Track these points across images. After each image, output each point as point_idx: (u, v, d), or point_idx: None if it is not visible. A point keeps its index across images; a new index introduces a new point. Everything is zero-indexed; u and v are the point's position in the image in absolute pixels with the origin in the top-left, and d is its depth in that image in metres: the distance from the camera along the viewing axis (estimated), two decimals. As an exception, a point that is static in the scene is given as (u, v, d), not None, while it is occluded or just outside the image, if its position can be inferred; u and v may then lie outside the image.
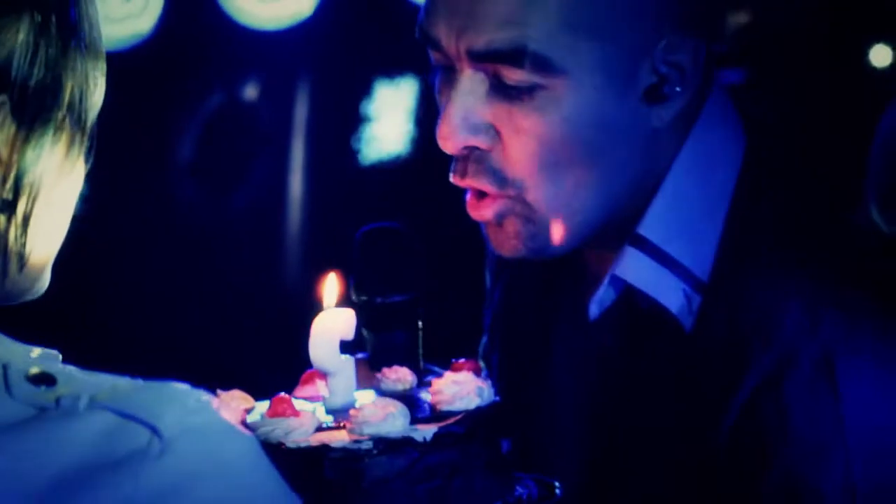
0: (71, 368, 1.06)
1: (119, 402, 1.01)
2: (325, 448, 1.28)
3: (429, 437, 1.29)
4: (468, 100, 1.39)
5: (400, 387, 1.39)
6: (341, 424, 1.32)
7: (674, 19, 1.38)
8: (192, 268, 3.83)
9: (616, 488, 1.48)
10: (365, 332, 1.47)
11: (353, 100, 4.21)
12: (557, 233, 1.41)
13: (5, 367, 1.02)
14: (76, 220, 1.18)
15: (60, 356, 1.10)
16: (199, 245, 3.94)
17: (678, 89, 1.39)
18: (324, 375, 1.35)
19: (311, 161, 4.19)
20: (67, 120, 1.09)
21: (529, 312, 1.63)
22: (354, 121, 4.20)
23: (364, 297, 1.46)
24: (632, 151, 1.41)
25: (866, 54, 3.90)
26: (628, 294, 1.47)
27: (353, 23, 4.08)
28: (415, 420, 1.31)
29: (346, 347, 1.34)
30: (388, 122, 4.23)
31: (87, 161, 1.14)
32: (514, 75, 1.36)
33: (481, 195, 1.43)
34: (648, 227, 1.43)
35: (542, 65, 1.35)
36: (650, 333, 1.45)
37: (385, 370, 1.39)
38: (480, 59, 1.38)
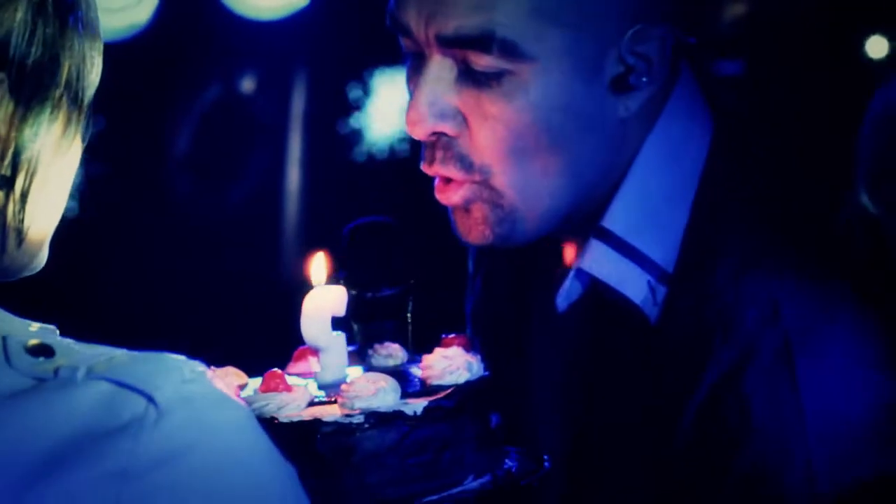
0: (69, 341, 1.08)
1: (116, 373, 1.02)
2: (317, 422, 1.30)
3: (419, 411, 1.31)
4: (437, 86, 1.40)
5: (391, 362, 1.41)
6: (333, 399, 1.34)
7: (641, 10, 1.39)
8: (187, 251, 3.85)
9: (587, 479, 1.50)
10: (354, 325, 1.49)
11: (350, 90, 4.22)
12: (524, 219, 1.42)
13: (5, 339, 1.04)
14: (75, 204, 1.19)
15: (58, 330, 1.12)
16: (194, 229, 3.96)
17: (644, 80, 1.40)
18: (315, 352, 1.37)
19: (306, 150, 4.21)
20: (65, 98, 1.11)
21: (506, 303, 1.65)
22: (350, 111, 4.22)
23: (354, 292, 1.48)
24: (599, 140, 1.42)
25: (861, 45, 3.91)
26: (595, 287, 1.48)
27: (350, 12, 4.09)
28: (405, 394, 1.33)
29: (337, 324, 1.36)
30: (384, 112, 4.25)
31: (84, 139, 1.16)
32: (482, 61, 1.38)
33: (449, 181, 1.44)
34: (613, 220, 1.44)
35: (510, 51, 1.37)
36: (616, 325, 1.46)
37: (376, 346, 1.41)
38: (449, 44, 1.39)
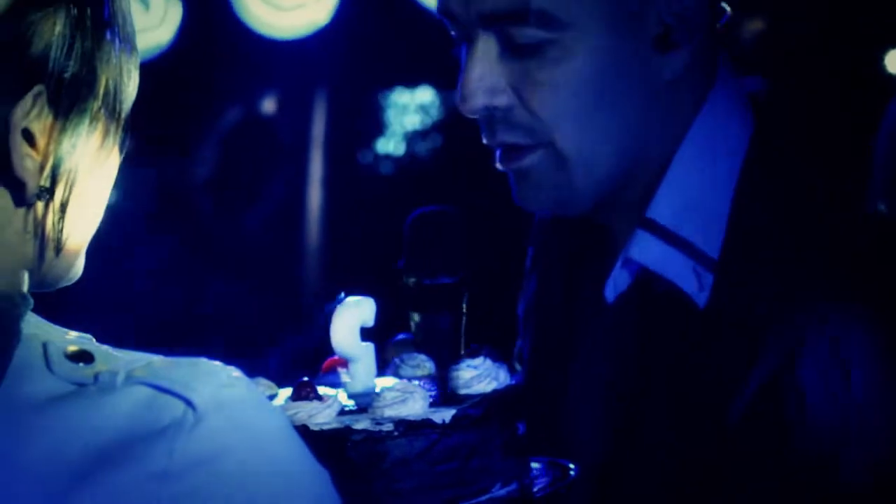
0: (107, 347, 1.10)
1: (155, 377, 1.05)
2: (347, 430, 1.32)
3: (447, 419, 1.33)
4: (483, 63, 1.45)
5: (419, 373, 1.43)
6: (363, 408, 1.36)
7: None
8: (216, 265, 3.89)
9: (634, 468, 1.52)
10: (412, 314, 1.52)
11: (370, 107, 4.26)
12: (581, 184, 1.47)
13: (45, 346, 1.07)
14: (106, 216, 1.22)
15: (94, 339, 1.15)
16: (221, 244, 4.00)
17: (685, 37, 1.44)
18: (345, 362, 1.39)
19: (328, 166, 4.25)
20: (102, 111, 1.13)
21: (557, 300, 1.68)
22: (371, 128, 4.25)
23: (412, 279, 1.51)
24: (648, 102, 1.47)
25: (880, 59, 3.94)
26: (643, 277, 1.51)
27: (369, 32, 4.13)
28: (433, 403, 1.36)
29: (366, 334, 1.38)
30: (404, 129, 4.28)
31: (121, 151, 1.18)
32: (522, 33, 1.42)
33: (512, 148, 1.49)
34: (657, 211, 1.48)
35: (547, 20, 1.42)
36: (664, 313, 1.49)
37: (405, 356, 1.44)
38: (490, 21, 1.44)
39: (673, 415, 1.48)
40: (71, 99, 1.10)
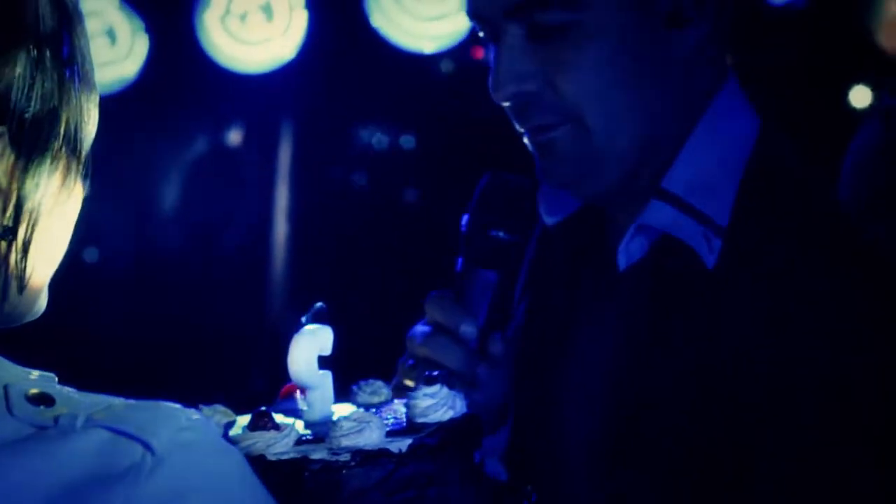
0: (68, 389, 1.11)
1: (114, 420, 1.05)
2: (304, 460, 1.33)
3: (404, 448, 1.34)
4: (512, 51, 1.55)
5: (375, 399, 1.45)
6: (320, 437, 1.38)
7: None
8: (178, 295, 3.90)
9: (646, 437, 1.55)
10: (461, 270, 1.57)
11: (335, 141, 4.28)
12: (605, 158, 1.56)
13: (6, 388, 1.07)
14: (69, 253, 1.23)
15: (56, 378, 1.15)
16: (184, 274, 4.01)
17: (696, 13, 1.54)
18: (302, 389, 1.40)
19: (292, 199, 4.26)
20: (64, 149, 1.14)
21: (556, 298, 1.71)
22: (336, 161, 4.27)
23: (478, 226, 1.56)
24: (663, 80, 1.56)
25: (847, 93, 4.01)
26: (655, 247, 1.57)
27: (335, 67, 4.16)
28: (390, 433, 1.37)
29: (324, 363, 1.40)
30: (369, 162, 4.30)
31: (83, 188, 1.19)
32: (546, 17, 1.51)
33: (543, 127, 1.56)
34: (671, 183, 1.56)
35: (569, 2, 1.51)
36: (676, 279, 1.56)
37: (361, 383, 1.45)
38: (516, 10, 1.53)
39: (685, 376, 1.52)
40: (33, 139, 1.10)
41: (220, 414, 1.42)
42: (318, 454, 1.34)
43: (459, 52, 4.07)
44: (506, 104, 1.58)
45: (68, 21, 1.15)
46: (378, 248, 4.07)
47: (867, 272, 1.51)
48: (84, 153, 1.18)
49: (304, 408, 1.41)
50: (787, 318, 1.47)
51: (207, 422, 1.12)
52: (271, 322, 3.99)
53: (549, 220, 1.67)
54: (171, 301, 3.88)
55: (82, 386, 1.14)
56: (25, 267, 1.13)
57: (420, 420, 1.38)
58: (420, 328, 1.63)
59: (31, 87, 1.10)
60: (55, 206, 1.15)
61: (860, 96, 4.09)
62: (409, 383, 1.61)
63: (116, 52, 4.10)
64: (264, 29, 4.13)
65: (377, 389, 1.45)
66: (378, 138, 4.31)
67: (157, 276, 3.97)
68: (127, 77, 4.04)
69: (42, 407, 1.07)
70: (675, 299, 1.56)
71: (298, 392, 1.42)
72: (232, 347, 3.85)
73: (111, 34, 4.13)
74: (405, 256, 3.91)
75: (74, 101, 1.14)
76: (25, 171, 1.11)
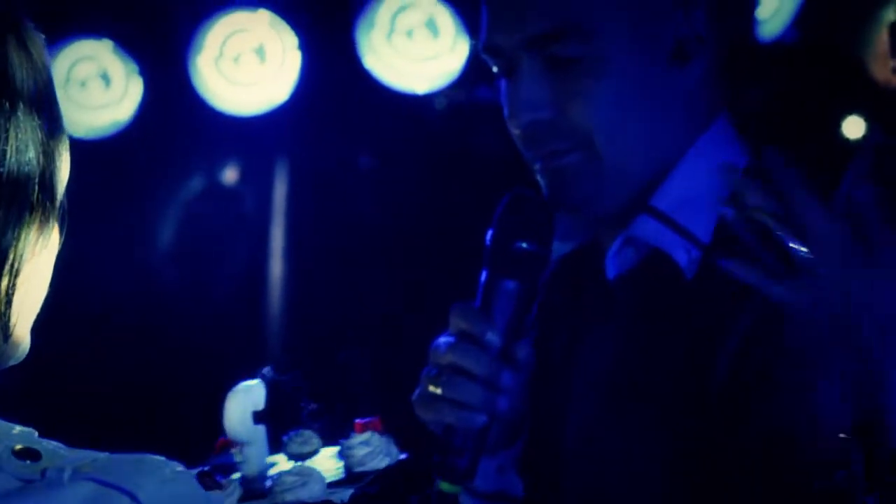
0: (54, 444, 1.12)
1: (101, 472, 1.06)
2: (248, 516, 1.35)
3: (346, 499, 1.36)
4: (529, 80, 1.61)
5: (307, 448, 1.46)
6: (262, 492, 1.39)
7: None
8: (180, 342, 3.89)
9: (625, 445, 1.56)
10: (485, 281, 1.59)
11: (329, 184, 4.30)
12: (610, 180, 1.61)
13: None
14: (53, 297, 1.24)
15: (36, 433, 1.17)
16: (183, 317, 4.01)
17: (698, 48, 1.60)
18: (237, 443, 1.42)
19: (288, 240, 4.28)
20: (41, 198, 1.15)
21: (563, 312, 1.74)
22: (331, 202, 4.29)
23: (503, 237, 1.60)
24: (667, 112, 1.63)
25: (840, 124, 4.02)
26: (640, 260, 1.60)
27: (329, 108, 4.18)
28: (331, 484, 1.38)
29: (258, 417, 1.41)
30: (363, 205, 4.32)
31: (60, 232, 1.20)
32: (564, 50, 1.58)
33: (554, 154, 1.60)
34: (659, 200, 1.60)
35: (586, 36, 1.57)
36: (659, 289, 1.59)
37: (292, 434, 1.47)
38: (534, 43, 1.59)
39: (664, 379, 1.54)
40: (10, 192, 1.12)
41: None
42: (261, 507, 1.35)
43: (452, 91, 4.09)
44: (517, 132, 1.64)
45: (38, 72, 1.17)
46: (375, 288, 4.08)
47: None
48: (59, 198, 1.19)
49: (241, 460, 1.43)
50: (756, 331, 1.49)
51: (190, 474, 1.13)
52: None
53: (561, 249, 1.72)
54: (169, 348, 3.88)
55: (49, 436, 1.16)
56: (10, 316, 1.14)
57: (358, 469, 1.40)
58: (444, 339, 1.65)
59: (6, 140, 1.11)
60: (34, 254, 1.16)
61: (852, 128, 4.12)
62: (437, 391, 1.64)
63: (111, 95, 4.11)
64: (258, 71, 4.14)
65: (308, 439, 1.46)
66: (372, 178, 4.33)
67: (154, 321, 3.98)
68: (122, 120, 4.05)
69: (28, 461, 1.08)
70: (657, 308, 1.60)
71: (234, 447, 1.43)
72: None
73: (105, 77, 4.16)
74: (402, 294, 3.92)
75: (49, 148, 1.15)
76: (5, 223, 1.12)
